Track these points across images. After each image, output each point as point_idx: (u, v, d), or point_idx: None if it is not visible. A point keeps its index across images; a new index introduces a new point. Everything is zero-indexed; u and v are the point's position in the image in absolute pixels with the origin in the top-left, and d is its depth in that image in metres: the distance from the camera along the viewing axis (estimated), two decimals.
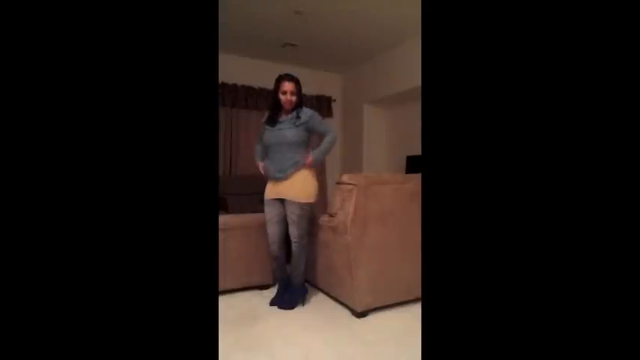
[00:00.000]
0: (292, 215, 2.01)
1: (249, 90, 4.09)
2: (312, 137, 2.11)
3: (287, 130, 1.99)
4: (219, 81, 3.95)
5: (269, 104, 2.11)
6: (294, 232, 2.03)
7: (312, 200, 2.05)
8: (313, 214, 2.21)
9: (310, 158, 2.01)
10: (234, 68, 4.02)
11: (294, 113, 2.02)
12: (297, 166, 1.99)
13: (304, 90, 4.64)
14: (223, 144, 4.02)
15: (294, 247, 2.07)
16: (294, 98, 2.00)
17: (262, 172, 2.13)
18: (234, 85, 4.06)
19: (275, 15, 3.11)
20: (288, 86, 1.98)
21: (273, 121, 2.04)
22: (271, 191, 2.08)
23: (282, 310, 2.05)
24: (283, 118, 2.04)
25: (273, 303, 2.12)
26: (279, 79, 2.01)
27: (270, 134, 2.03)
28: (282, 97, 1.99)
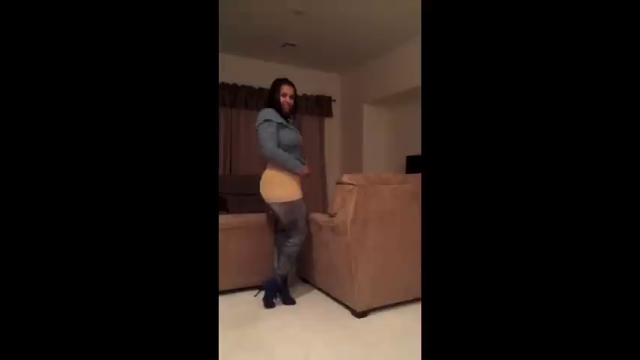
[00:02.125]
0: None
1: (249, 90, 4.09)
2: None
3: (298, 134, 2.11)
4: (219, 81, 3.95)
5: (269, 105, 2.06)
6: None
7: None
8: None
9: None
10: (234, 68, 4.03)
11: (295, 118, 2.14)
12: None
13: (304, 90, 4.68)
14: (223, 144, 4.02)
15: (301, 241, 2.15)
16: (292, 102, 2.06)
17: (309, 172, 2.08)
18: (234, 85, 4.06)
19: (275, 15, 3.11)
20: (288, 89, 2.03)
21: (287, 121, 2.06)
22: (299, 191, 2.09)
23: (282, 311, 2.05)
24: (290, 120, 2.11)
25: (290, 301, 2.15)
26: (280, 82, 2.04)
27: (293, 134, 2.07)
28: (282, 98, 2.02)
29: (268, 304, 2.07)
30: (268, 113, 1.98)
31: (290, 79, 2.08)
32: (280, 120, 2.00)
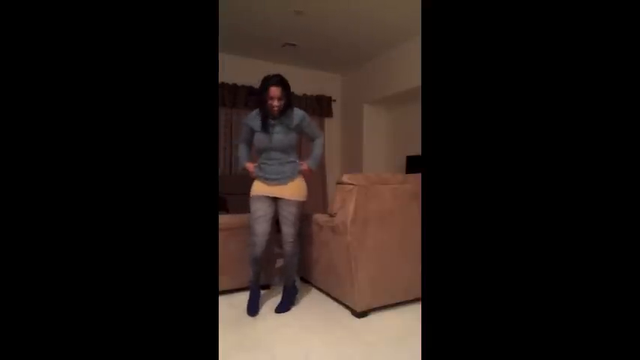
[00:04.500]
0: (289, 215, 1.99)
1: (249, 90, 4.09)
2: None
3: (282, 135, 1.96)
4: (219, 81, 3.95)
5: (258, 106, 1.99)
6: (290, 232, 2.01)
7: (305, 198, 2.07)
8: (304, 213, 2.22)
9: (307, 167, 2.03)
10: (234, 68, 4.03)
11: (286, 116, 1.96)
12: (295, 175, 2.00)
13: (304, 90, 4.68)
14: (223, 144, 4.02)
15: (288, 247, 2.03)
16: (281, 103, 1.90)
17: (252, 174, 2.06)
18: (234, 85, 4.06)
19: (275, 15, 3.11)
20: (274, 92, 1.87)
21: (265, 125, 1.96)
22: (263, 189, 2.01)
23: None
24: (274, 121, 1.96)
25: (253, 312, 1.99)
26: (266, 85, 1.89)
27: (264, 138, 1.96)
28: (269, 101, 1.89)
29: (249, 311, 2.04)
30: (248, 117, 2.06)
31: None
32: (254, 124, 2.00)
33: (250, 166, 2.08)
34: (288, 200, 1.98)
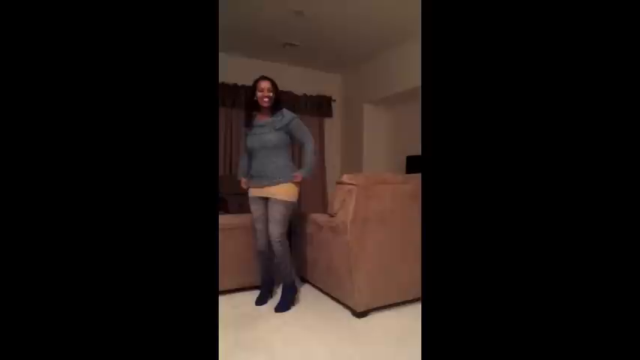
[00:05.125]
0: (277, 214, 2.01)
1: (249, 90, 4.09)
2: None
3: (269, 134, 2.00)
4: (219, 81, 3.95)
5: (246, 107, 2.12)
6: (276, 231, 2.02)
7: (295, 199, 2.08)
8: (294, 213, 2.26)
9: (300, 176, 2.04)
10: (234, 68, 4.03)
11: (275, 116, 2.03)
12: (285, 180, 2.01)
13: (304, 90, 4.68)
14: (223, 144, 4.03)
15: (277, 246, 2.04)
16: (270, 94, 2.00)
17: (244, 187, 2.17)
18: (235, 85, 4.06)
19: (275, 15, 3.11)
20: (264, 84, 2.00)
21: (250, 123, 2.06)
22: (255, 191, 2.10)
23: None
24: (262, 121, 2.04)
25: (259, 302, 2.14)
26: (255, 81, 2.03)
27: (253, 138, 2.04)
28: (259, 94, 2.00)
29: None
30: (244, 122, 2.14)
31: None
32: (244, 128, 2.11)
33: (243, 182, 2.18)
34: (276, 200, 2.01)
